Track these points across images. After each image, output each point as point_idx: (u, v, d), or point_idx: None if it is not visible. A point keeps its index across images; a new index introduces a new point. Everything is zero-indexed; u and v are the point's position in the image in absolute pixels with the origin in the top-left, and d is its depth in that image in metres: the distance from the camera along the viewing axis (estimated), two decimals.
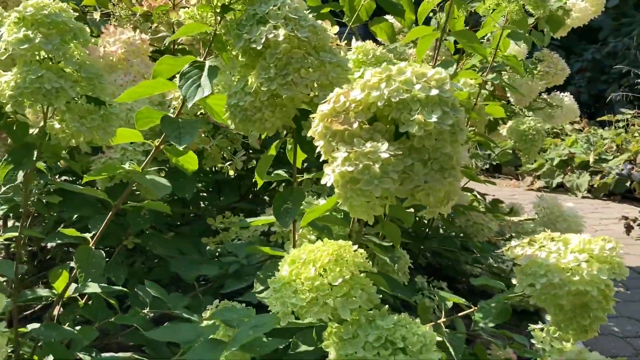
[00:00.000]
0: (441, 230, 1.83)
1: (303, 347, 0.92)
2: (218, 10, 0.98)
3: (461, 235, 1.69)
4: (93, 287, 1.10)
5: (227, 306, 0.92)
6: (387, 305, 0.77)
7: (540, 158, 5.03)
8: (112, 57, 1.28)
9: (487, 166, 5.34)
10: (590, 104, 7.67)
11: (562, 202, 1.83)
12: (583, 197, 4.63)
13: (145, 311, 1.13)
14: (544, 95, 2.73)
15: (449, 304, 1.08)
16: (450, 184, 0.76)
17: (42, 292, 1.14)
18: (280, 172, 1.07)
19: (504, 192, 4.68)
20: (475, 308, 0.97)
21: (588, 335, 0.88)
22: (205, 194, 1.70)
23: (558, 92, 2.74)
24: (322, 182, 0.76)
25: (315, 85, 0.91)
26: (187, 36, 1.30)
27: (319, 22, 0.97)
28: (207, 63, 0.99)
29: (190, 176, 1.23)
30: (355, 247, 0.79)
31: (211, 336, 0.85)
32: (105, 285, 1.11)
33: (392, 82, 0.75)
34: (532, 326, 1.06)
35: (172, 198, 1.41)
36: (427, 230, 1.73)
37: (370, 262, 0.79)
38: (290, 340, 0.94)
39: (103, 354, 1.13)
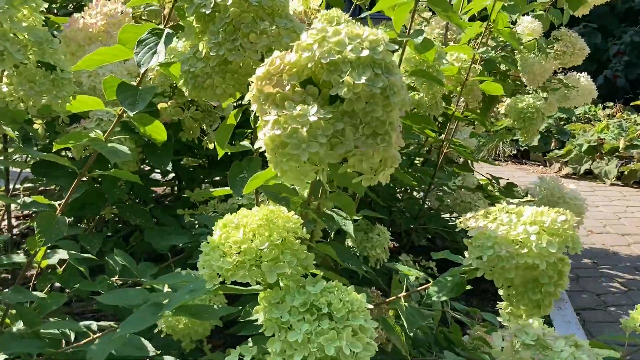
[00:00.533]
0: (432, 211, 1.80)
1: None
2: None
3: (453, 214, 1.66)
4: (61, 254, 1.12)
5: (176, 273, 0.92)
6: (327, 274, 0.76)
7: (569, 144, 4.89)
8: (92, 29, 1.29)
9: (515, 152, 5.22)
10: (628, 89, 7.39)
11: (564, 184, 1.77)
12: (612, 185, 4.48)
13: (113, 279, 1.15)
14: (560, 76, 2.64)
15: (412, 279, 1.06)
16: (384, 149, 0.74)
17: (17, 258, 1.17)
18: (245, 142, 1.07)
19: (529, 178, 4.56)
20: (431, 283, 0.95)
21: (541, 312, 0.85)
22: (199, 169, 1.70)
23: (575, 72, 2.65)
24: (255, 147, 0.75)
25: (267, 51, 0.90)
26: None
27: None
28: (166, 30, 0.99)
29: (164, 149, 1.24)
30: (291, 213, 0.78)
31: (154, 301, 0.86)
32: (74, 252, 1.13)
33: (324, 43, 0.73)
34: (499, 304, 1.03)
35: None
36: (418, 209, 1.71)
37: (304, 229, 0.78)
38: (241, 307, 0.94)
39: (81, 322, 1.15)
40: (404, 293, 1.00)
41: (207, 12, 0.89)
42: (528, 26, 2.41)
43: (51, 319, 1.12)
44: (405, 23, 2.32)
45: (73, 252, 1.13)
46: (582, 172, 4.63)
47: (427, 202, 1.71)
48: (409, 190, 1.84)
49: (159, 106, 1.22)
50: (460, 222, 0.90)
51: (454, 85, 1.52)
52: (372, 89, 0.71)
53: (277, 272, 0.72)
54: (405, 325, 0.93)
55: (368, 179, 0.77)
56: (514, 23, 2.54)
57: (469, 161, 2.59)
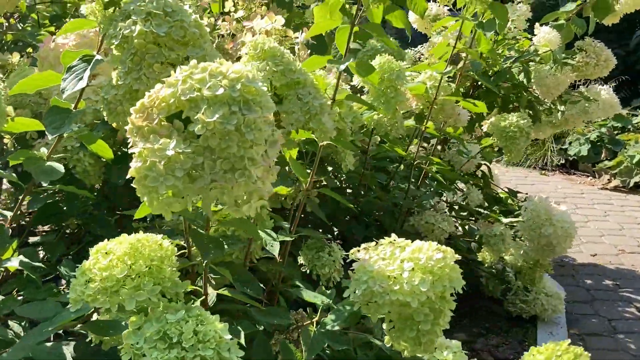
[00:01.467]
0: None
1: None
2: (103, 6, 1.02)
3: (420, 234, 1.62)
4: (14, 262, 1.20)
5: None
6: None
7: (620, 154, 4.64)
8: (62, 49, 1.37)
9: (563, 161, 5.02)
10: None
11: (554, 205, 1.70)
12: None
13: (61, 287, 1.21)
14: (582, 88, 2.53)
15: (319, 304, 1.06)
16: (245, 184, 0.75)
17: None
18: None
19: (573, 190, 4.38)
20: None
21: (422, 349, 0.84)
22: None
23: (597, 84, 2.53)
24: (127, 176, 0.78)
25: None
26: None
27: (196, 17, 0.98)
28: (96, 57, 1.04)
29: (125, 165, 1.30)
30: (164, 240, 0.81)
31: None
32: (26, 260, 1.20)
33: (188, 80, 0.75)
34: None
35: None
36: (399, 226, 1.69)
37: (172, 257, 0.80)
38: None
39: None
40: (315, 319, 1.01)
41: (116, 43, 0.93)
42: (545, 37, 2.33)
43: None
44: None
45: (25, 260, 1.20)
46: (631, 184, 4.38)
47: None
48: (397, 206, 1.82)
49: (114, 125, 1.28)
50: (351, 253, 0.90)
51: (424, 104, 1.49)
52: (226, 126, 0.72)
53: (137, 300, 0.75)
54: (304, 351, 0.94)
55: (235, 211, 0.78)
56: (531, 33, 2.46)
57: (488, 174, 2.53)
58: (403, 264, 0.81)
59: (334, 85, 1.15)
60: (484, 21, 1.48)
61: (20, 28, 1.91)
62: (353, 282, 0.84)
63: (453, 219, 1.95)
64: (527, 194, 2.85)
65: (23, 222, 1.46)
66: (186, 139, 0.75)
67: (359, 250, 0.89)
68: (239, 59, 1.25)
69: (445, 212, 1.74)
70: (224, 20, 1.67)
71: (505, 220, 1.79)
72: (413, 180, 1.61)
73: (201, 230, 0.90)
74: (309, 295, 1.01)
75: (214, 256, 0.85)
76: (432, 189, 1.70)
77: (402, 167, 1.61)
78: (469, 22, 1.41)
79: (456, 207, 2.01)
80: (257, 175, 0.76)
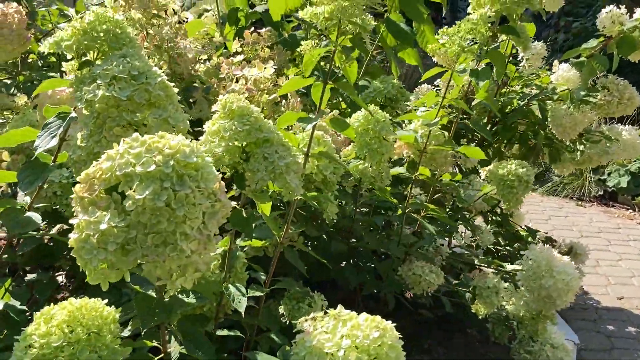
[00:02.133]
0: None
1: None
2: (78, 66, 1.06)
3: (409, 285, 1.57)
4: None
5: None
6: None
7: None
8: (59, 96, 1.42)
9: (602, 192, 4.86)
10: None
11: (557, 255, 1.64)
12: None
13: None
14: (603, 127, 2.45)
15: None
16: (178, 258, 0.76)
17: None
18: None
19: (609, 224, 4.21)
20: None
21: None
22: None
23: (618, 123, 2.44)
24: (69, 245, 0.80)
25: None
26: None
27: (165, 79, 1.00)
28: (71, 114, 1.08)
29: None
30: (106, 308, 0.82)
31: None
32: (12, 303, 1.24)
33: (125, 154, 0.77)
34: None
35: None
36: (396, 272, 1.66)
37: (112, 325, 0.81)
38: None
39: None
40: None
41: (80, 106, 0.96)
42: (563, 75, 2.27)
43: None
44: None
45: (11, 303, 1.24)
46: None
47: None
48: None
49: None
50: (299, 323, 0.89)
51: (414, 153, 1.47)
52: (156, 202, 0.73)
53: None
54: None
55: (170, 284, 0.79)
56: (549, 69, 2.41)
57: (507, 214, 2.47)
58: (342, 340, 0.80)
59: (306, 142, 1.15)
60: (479, 68, 1.46)
61: (40, 66, 1.99)
62: (293, 356, 0.83)
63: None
64: (546, 233, 2.77)
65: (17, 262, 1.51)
66: (122, 212, 0.77)
67: (306, 320, 0.88)
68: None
69: (443, 258, 1.70)
70: (226, 61, 1.69)
71: (509, 267, 1.74)
72: (408, 227, 1.59)
73: (151, 293, 0.91)
74: (262, 358, 1.01)
75: (159, 321, 0.86)
76: (430, 234, 1.67)
77: (399, 211, 1.59)
78: (459, 74, 1.38)
79: (460, 252, 1.96)
80: (190, 249, 0.76)
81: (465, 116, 2.03)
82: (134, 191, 0.74)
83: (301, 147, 1.20)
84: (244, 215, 1.09)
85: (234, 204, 0.86)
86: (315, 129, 1.38)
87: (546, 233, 2.72)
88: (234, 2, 2.37)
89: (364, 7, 1.11)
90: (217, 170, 0.87)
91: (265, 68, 1.41)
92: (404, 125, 1.59)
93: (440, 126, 1.49)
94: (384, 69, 2.41)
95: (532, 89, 2.46)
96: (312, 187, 1.29)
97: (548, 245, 2.16)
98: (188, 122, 1.04)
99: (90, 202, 0.79)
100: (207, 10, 2.49)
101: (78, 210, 0.80)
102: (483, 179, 1.67)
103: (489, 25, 1.47)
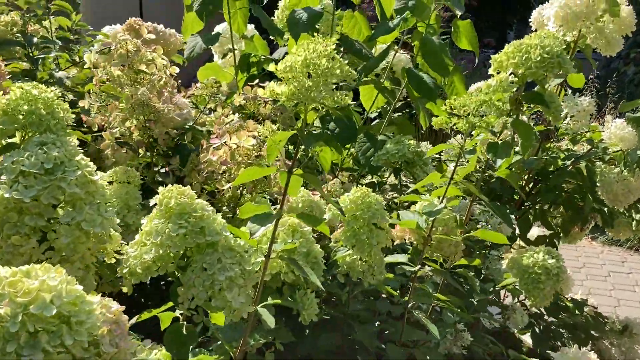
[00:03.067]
0: None
1: None
2: None
3: None
4: None
5: None
6: None
7: None
8: None
9: None
10: None
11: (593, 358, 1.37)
12: None
13: None
14: None
15: None
16: None
17: None
18: None
19: None
20: None
21: None
22: None
23: None
24: None
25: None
26: None
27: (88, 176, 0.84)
28: None
29: None
30: None
31: None
32: None
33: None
34: None
35: None
36: None
37: None
38: None
39: None
40: None
41: None
42: (616, 132, 1.99)
43: None
44: None
45: None
46: None
47: None
48: None
49: None
50: None
51: (417, 240, 1.25)
52: None
53: None
54: None
55: None
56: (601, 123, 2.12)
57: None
58: None
59: (267, 241, 0.96)
60: (499, 142, 1.22)
61: None
62: None
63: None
64: (596, 308, 2.45)
65: None
66: None
67: None
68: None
69: (464, 346, 1.45)
70: (217, 121, 1.53)
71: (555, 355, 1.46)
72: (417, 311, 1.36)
73: None
74: None
75: None
76: (442, 326, 1.43)
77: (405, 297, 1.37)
78: (468, 155, 1.15)
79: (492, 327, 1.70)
80: None
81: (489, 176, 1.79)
82: None
83: (262, 247, 1.01)
84: (184, 332, 0.91)
85: None
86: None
87: (595, 307, 2.39)
88: (255, 49, 2.22)
89: (335, 83, 0.92)
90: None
91: (244, 138, 1.23)
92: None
93: (450, 207, 1.26)
94: (412, 120, 2.20)
95: (582, 145, 2.18)
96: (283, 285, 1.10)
97: (584, 349, 1.86)
98: (116, 224, 0.88)
99: None
100: (232, 50, 2.35)
101: None
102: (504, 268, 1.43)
103: (514, 91, 1.24)
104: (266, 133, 0.91)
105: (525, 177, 2.17)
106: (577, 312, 2.31)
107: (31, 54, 1.90)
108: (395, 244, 1.31)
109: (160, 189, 0.91)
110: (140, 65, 1.42)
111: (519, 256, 1.36)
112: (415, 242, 1.26)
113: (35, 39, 1.94)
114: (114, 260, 0.96)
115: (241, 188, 1.32)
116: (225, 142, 1.27)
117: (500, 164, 1.20)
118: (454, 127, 1.12)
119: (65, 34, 2.11)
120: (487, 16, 9.44)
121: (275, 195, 1.39)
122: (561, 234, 2.26)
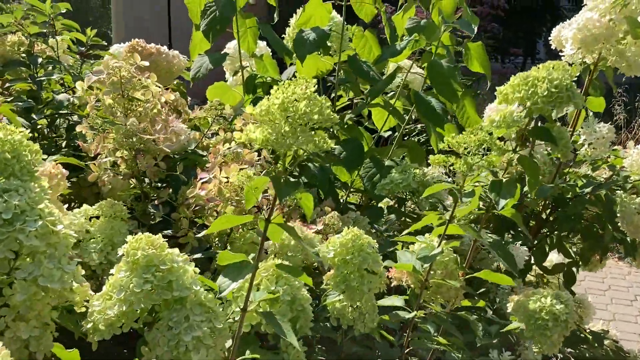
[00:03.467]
0: None
1: None
2: None
3: None
4: None
5: None
6: None
7: None
8: None
9: None
10: None
11: None
12: None
13: None
14: None
15: None
16: None
17: None
18: None
19: None
20: None
21: None
22: None
23: None
24: None
25: None
26: None
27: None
28: None
29: None
30: None
31: None
32: None
33: None
34: None
35: None
36: None
37: None
38: None
39: None
40: None
41: None
42: (638, 161, 1.88)
43: None
44: None
45: None
46: None
47: None
48: None
49: None
50: None
51: (414, 284, 1.18)
52: None
53: None
54: None
55: None
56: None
57: None
58: None
59: (244, 294, 0.90)
60: (503, 179, 1.15)
61: None
62: None
63: None
64: (617, 342, 2.33)
65: None
66: None
67: None
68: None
69: None
70: (213, 149, 1.48)
71: None
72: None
73: None
74: None
75: None
76: None
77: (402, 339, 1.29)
78: (466, 199, 1.07)
79: None
80: None
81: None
82: None
83: (243, 294, 0.95)
84: None
85: None
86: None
87: (616, 342, 2.27)
88: (265, 68, 2.18)
89: (314, 128, 0.86)
90: None
91: (231, 175, 1.18)
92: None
93: (450, 247, 1.19)
94: (422, 145, 2.13)
95: (604, 168, 2.07)
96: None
97: None
98: (81, 276, 0.83)
99: None
100: (244, 67, 2.31)
101: None
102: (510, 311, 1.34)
103: (520, 126, 1.16)
104: (242, 180, 0.86)
105: (542, 203, 2.08)
106: (596, 345, 2.20)
107: (36, 75, 1.89)
108: (392, 285, 1.24)
109: (129, 237, 0.86)
110: (135, 92, 1.38)
111: (525, 299, 1.27)
112: (412, 286, 1.18)
113: (40, 59, 1.92)
114: (84, 309, 0.91)
115: None
116: (215, 176, 1.22)
117: (503, 204, 1.12)
118: (452, 168, 1.05)
119: (72, 54, 2.09)
120: (515, 26, 9.29)
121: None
122: (580, 263, 2.16)
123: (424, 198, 1.54)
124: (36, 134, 1.85)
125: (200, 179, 1.21)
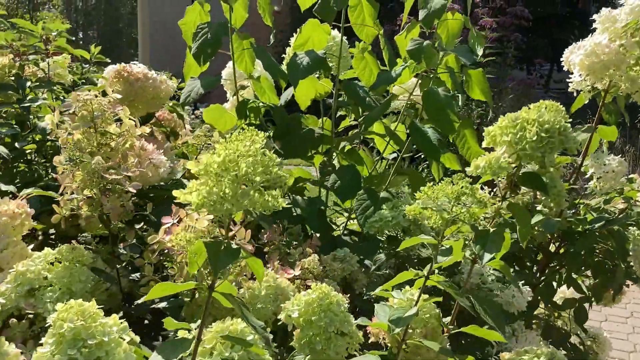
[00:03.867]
0: None
1: None
2: None
3: None
4: None
5: None
6: None
7: None
8: None
9: None
10: None
11: None
12: None
13: None
14: None
15: None
16: None
17: None
18: None
19: None
20: None
21: None
22: None
23: None
24: None
25: None
26: None
27: None
28: None
29: None
30: None
31: None
32: None
33: None
34: None
35: None
36: None
37: None
38: None
39: None
40: None
41: None
42: None
43: None
44: None
45: None
46: None
47: None
48: None
49: None
50: None
51: (392, 343, 1.08)
52: None
53: None
54: None
55: None
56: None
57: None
58: None
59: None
60: (491, 229, 1.04)
61: None
62: None
63: None
64: None
65: None
66: None
67: None
68: None
69: None
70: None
71: None
72: None
73: None
74: None
75: None
76: None
77: None
78: (442, 257, 0.97)
79: None
80: None
81: None
82: None
83: None
84: None
85: None
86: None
87: None
88: (263, 90, 2.10)
89: (266, 187, 0.77)
90: None
91: (197, 219, 1.09)
92: None
93: (433, 302, 1.09)
94: (422, 173, 2.02)
95: (618, 200, 1.94)
96: None
97: None
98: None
99: None
100: (244, 87, 2.23)
101: None
102: None
103: (508, 171, 1.06)
104: (181, 244, 0.78)
105: (550, 236, 1.96)
106: None
107: (25, 99, 1.84)
108: (370, 341, 1.15)
109: (59, 305, 0.78)
110: (107, 126, 1.32)
111: (517, 358, 1.16)
112: (390, 345, 1.09)
113: (28, 83, 1.88)
114: None
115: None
116: (179, 220, 1.14)
117: (488, 259, 1.02)
118: (427, 222, 0.95)
119: (65, 78, 2.04)
120: (541, 33, 9.09)
121: (244, 275, 1.24)
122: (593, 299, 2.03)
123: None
124: (20, 161, 1.81)
125: (164, 223, 1.13)
